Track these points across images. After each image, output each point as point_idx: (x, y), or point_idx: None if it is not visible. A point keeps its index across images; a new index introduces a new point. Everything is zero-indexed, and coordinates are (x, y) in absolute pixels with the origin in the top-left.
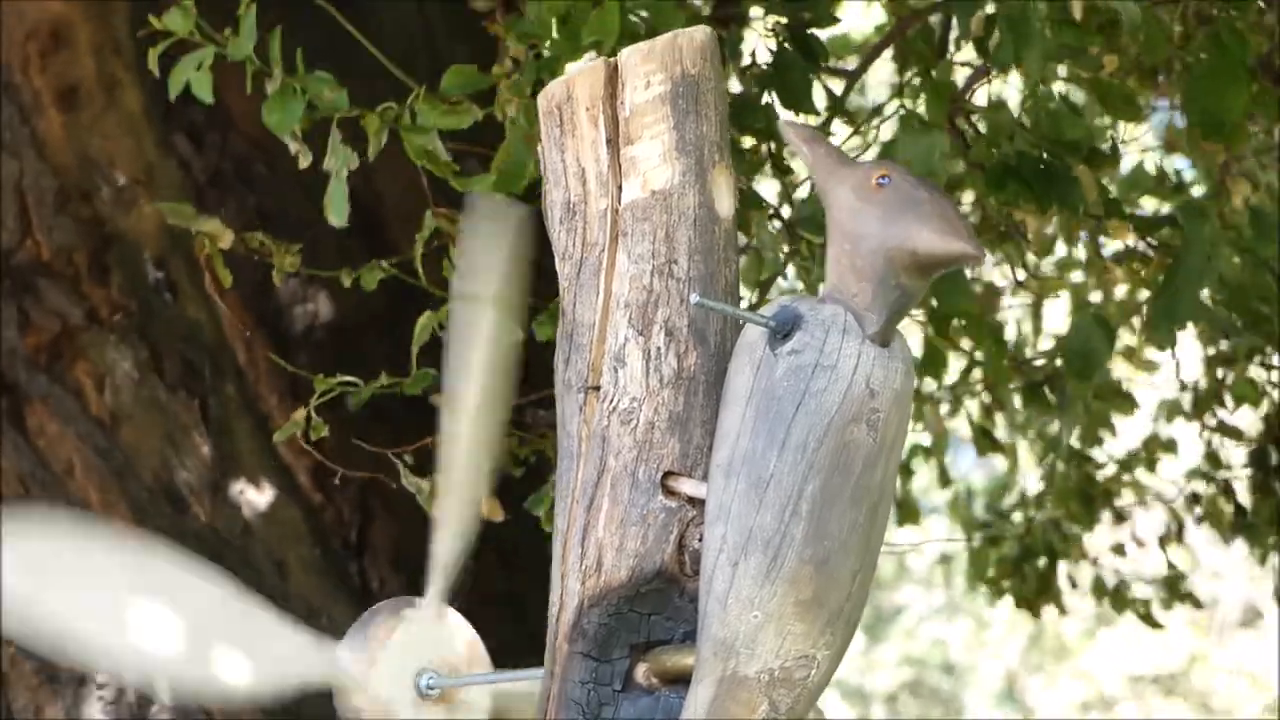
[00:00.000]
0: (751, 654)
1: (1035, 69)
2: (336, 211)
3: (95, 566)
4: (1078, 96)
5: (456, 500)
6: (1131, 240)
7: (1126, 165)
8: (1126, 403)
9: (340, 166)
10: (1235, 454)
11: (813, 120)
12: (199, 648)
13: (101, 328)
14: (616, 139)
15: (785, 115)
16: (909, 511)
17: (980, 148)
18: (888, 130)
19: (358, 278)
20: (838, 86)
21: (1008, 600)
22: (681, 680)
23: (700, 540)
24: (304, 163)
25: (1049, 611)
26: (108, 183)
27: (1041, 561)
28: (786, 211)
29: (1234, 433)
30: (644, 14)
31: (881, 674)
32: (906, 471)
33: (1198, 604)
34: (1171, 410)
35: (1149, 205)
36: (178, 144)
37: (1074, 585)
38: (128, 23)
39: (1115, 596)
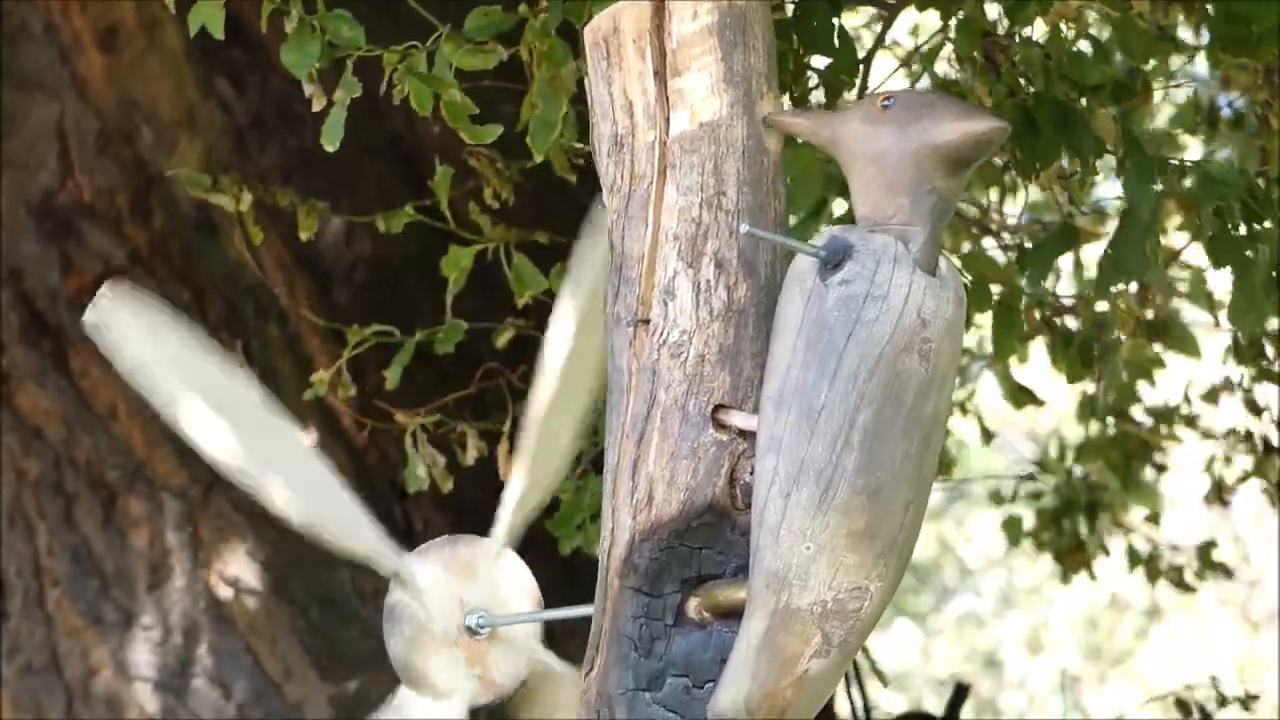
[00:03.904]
0: (804, 586)
1: (1045, 6)
2: (331, 137)
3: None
4: (1108, 33)
5: (542, 447)
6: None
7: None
8: (1187, 345)
9: (346, 97)
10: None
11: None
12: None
13: (144, 270)
14: (664, 71)
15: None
16: (944, 464)
17: (1009, 79)
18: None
19: (386, 223)
20: (878, 26)
21: (1061, 598)
22: (734, 614)
23: (751, 473)
24: (318, 105)
25: (1104, 615)
26: (149, 124)
27: (1081, 517)
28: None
29: (1272, 375)
30: None
31: (935, 664)
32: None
33: (1229, 573)
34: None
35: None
36: (219, 86)
37: (1106, 553)
38: None
39: (1150, 566)
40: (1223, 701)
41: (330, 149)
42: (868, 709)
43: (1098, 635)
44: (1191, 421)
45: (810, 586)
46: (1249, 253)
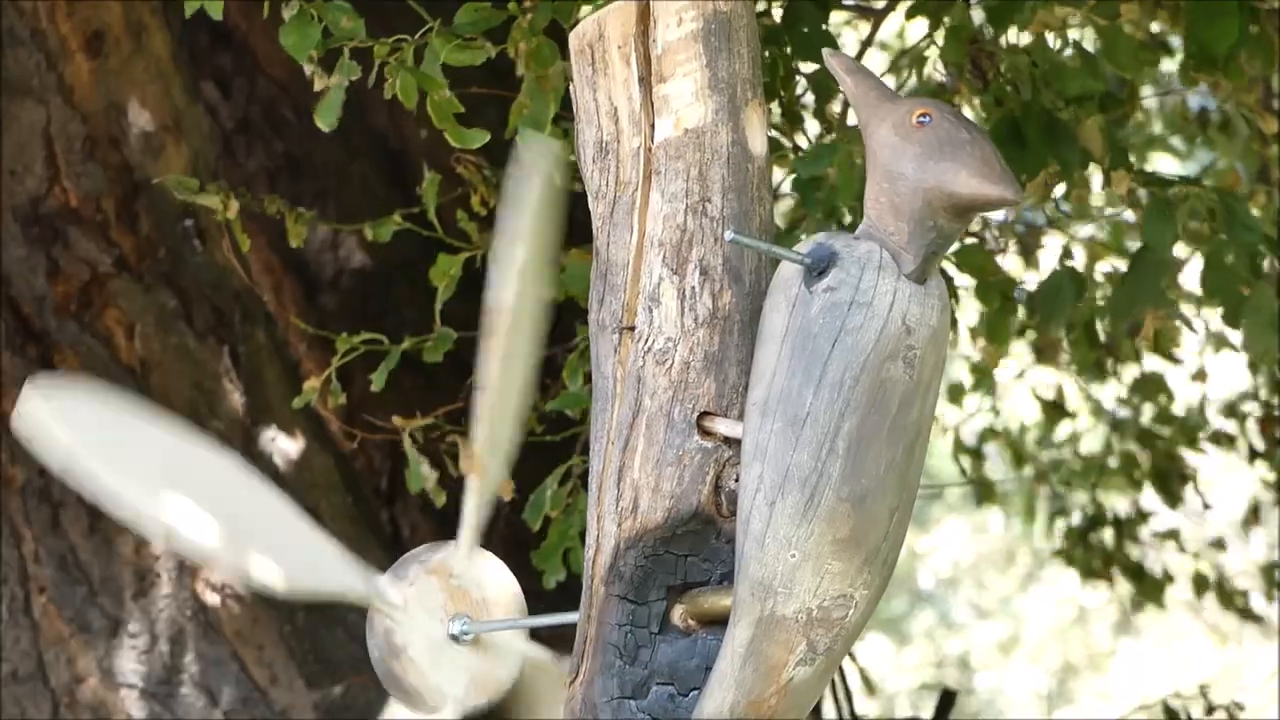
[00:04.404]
0: (789, 594)
1: (1028, 11)
2: (326, 118)
3: (151, 439)
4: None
5: (490, 447)
6: (1126, 190)
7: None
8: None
9: (344, 79)
10: None
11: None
12: (240, 537)
13: (131, 275)
14: (649, 77)
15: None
16: (987, 490)
17: (997, 88)
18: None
19: (374, 232)
20: (865, 27)
21: (1040, 604)
22: (719, 622)
23: (736, 481)
24: (319, 85)
25: (1077, 634)
26: (135, 129)
27: (1109, 533)
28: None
29: None
30: None
31: (906, 676)
32: (977, 454)
33: None
34: (1218, 343)
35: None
36: (205, 90)
37: (1171, 580)
38: None
39: (1220, 592)
40: (1210, 710)
41: (325, 128)
42: (854, 716)
43: (1068, 647)
44: (1218, 439)
45: (795, 594)
46: (1245, 290)
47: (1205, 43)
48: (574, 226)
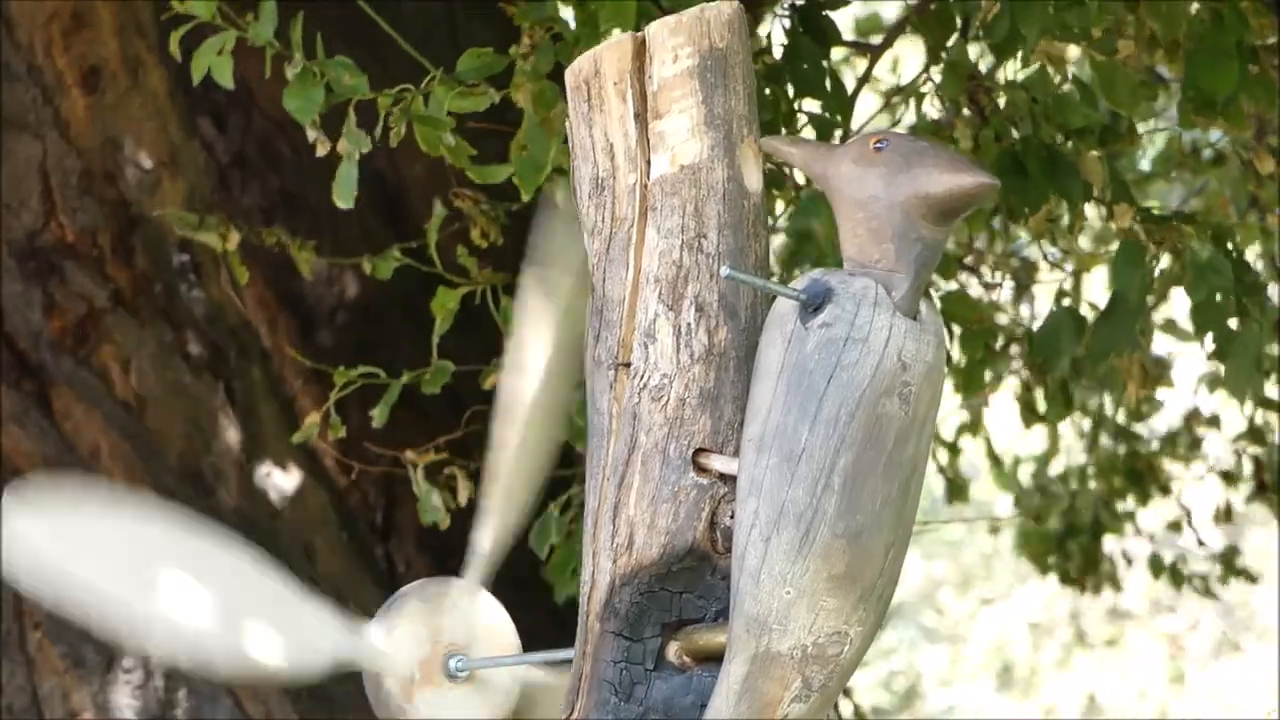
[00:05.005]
0: (784, 630)
1: (1033, 40)
2: (344, 195)
3: (124, 536)
4: (1094, 78)
5: (505, 487)
6: (1129, 223)
7: (1162, 138)
8: (1161, 379)
9: (353, 150)
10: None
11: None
12: (229, 623)
13: (127, 310)
14: (645, 113)
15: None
16: (958, 489)
17: (997, 123)
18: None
19: (374, 267)
20: (861, 64)
21: (987, 621)
22: (714, 659)
23: (732, 517)
24: (321, 151)
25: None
26: (132, 164)
27: (1084, 539)
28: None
29: (1275, 405)
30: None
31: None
32: (954, 449)
33: (1253, 579)
34: (1213, 382)
35: (1188, 179)
36: (201, 126)
37: (1129, 563)
38: (151, 3)
39: (1173, 573)
40: None
41: (343, 206)
42: None
43: (1017, 667)
44: (1196, 444)
45: (790, 631)
46: (1234, 324)
47: (1205, 87)
48: None
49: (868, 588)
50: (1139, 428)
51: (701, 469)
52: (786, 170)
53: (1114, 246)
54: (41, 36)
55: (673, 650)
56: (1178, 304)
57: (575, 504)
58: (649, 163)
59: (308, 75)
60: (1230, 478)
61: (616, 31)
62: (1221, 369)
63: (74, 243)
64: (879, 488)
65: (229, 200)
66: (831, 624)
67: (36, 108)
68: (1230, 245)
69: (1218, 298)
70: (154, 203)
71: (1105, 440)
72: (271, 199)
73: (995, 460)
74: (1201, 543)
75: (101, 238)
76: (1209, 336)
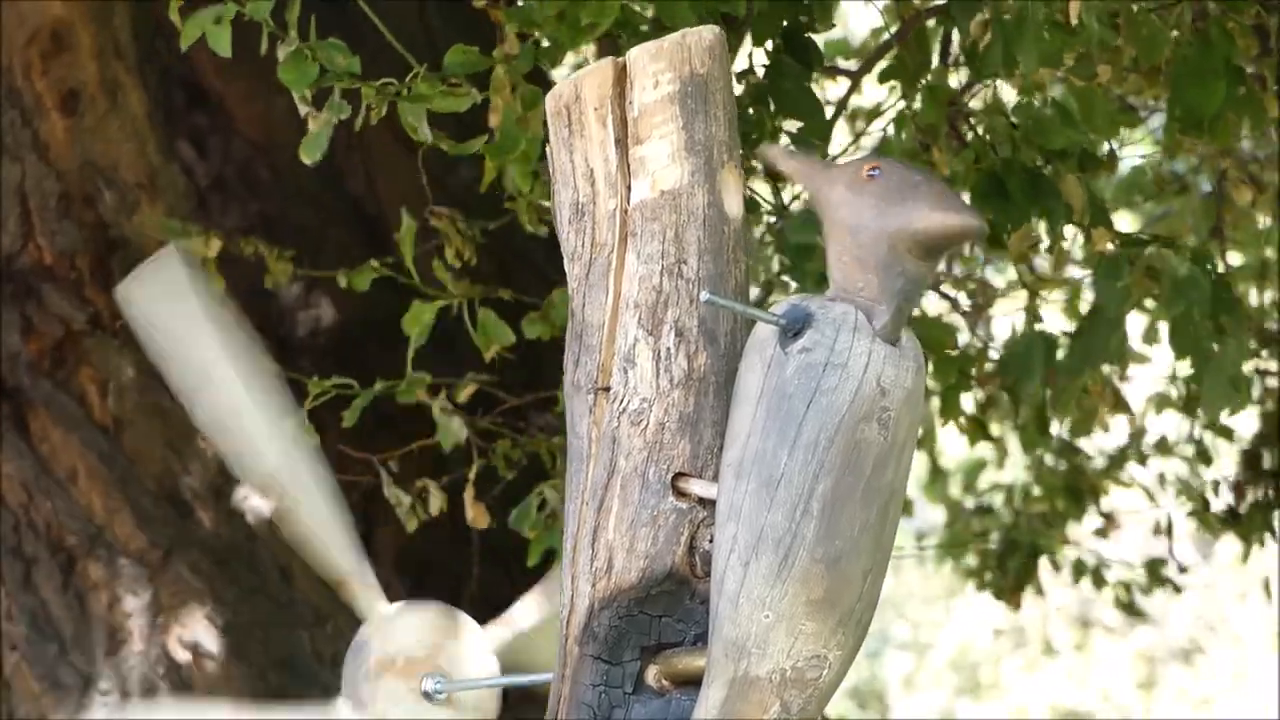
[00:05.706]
0: (763, 654)
1: (1030, 68)
2: (310, 152)
3: None
4: (1072, 102)
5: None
6: (1107, 245)
7: (1127, 166)
8: (1118, 406)
9: (333, 117)
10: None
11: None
12: None
13: (104, 333)
14: (625, 139)
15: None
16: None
17: (977, 147)
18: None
19: (350, 280)
20: (839, 89)
21: (946, 629)
22: (693, 682)
23: (711, 541)
24: (313, 124)
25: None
26: (110, 187)
27: (1021, 557)
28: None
29: (1225, 432)
30: (649, 11)
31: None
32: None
33: (1178, 589)
34: (1160, 403)
35: (1149, 207)
36: (180, 149)
37: (1056, 569)
38: (130, 26)
39: (1095, 577)
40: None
41: (309, 162)
42: None
43: (980, 672)
44: (1143, 459)
45: (769, 655)
46: (1214, 345)
47: (1192, 105)
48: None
49: (846, 612)
50: (1083, 443)
51: (681, 493)
52: (770, 197)
53: (1075, 271)
54: (21, 59)
55: (651, 674)
56: (1135, 327)
57: (550, 506)
58: (629, 188)
59: (301, 53)
60: (1198, 513)
61: (592, 57)
62: (1173, 391)
63: (52, 265)
64: (858, 513)
65: (208, 223)
66: (810, 648)
67: (15, 130)
68: (1209, 265)
69: (1195, 314)
70: (133, 225)
71: (1049, 459)
72: (251, 222)
73: (937, 473)
74: (1124, 564)
75: (80, 260)
76: (1181, 352)
